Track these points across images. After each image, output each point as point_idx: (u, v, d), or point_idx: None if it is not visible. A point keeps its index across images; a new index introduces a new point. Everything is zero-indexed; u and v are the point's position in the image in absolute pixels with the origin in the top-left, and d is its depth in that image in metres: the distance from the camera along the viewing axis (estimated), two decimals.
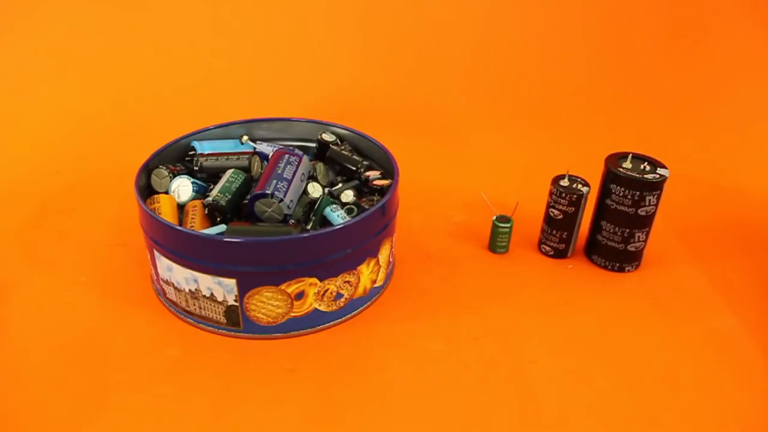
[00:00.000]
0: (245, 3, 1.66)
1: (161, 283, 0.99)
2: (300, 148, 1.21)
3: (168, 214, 1.00)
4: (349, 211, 1.03)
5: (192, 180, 1.07)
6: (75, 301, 1.02)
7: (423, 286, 1.07)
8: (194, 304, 0.95)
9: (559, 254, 1.14)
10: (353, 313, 1.00)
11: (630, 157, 1.08)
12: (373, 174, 1.12)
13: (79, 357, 0.92)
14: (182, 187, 1.06)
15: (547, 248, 1.15)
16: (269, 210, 0.98)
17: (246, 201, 1.00)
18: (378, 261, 1.00)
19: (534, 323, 1.00)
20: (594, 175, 1.13)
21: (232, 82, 1.66)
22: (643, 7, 1.63)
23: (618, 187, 1.05)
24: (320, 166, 1.12)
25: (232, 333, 0.96)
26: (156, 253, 0.95)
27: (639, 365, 0.93)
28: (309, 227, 1.01)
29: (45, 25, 1.59)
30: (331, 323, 0.98)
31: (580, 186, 1.09)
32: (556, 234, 1.12)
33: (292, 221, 0.99)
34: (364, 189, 1.12)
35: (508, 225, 1.13)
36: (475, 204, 1.27)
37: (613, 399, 0.88)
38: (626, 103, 1.63)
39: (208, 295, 0.93)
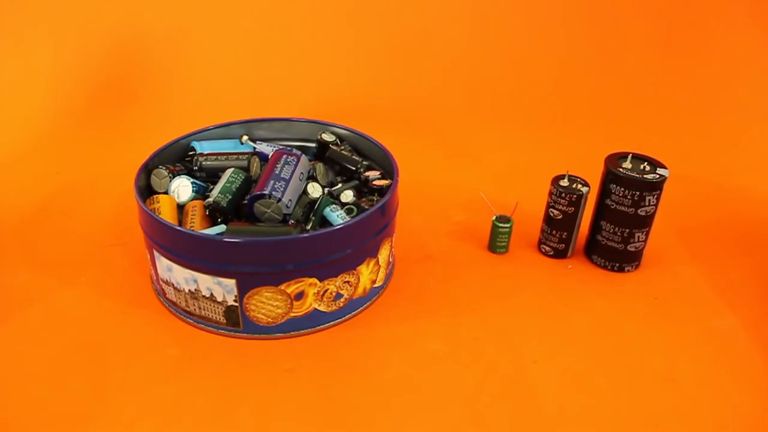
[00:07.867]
0: (245, 3, 1.66)
1: (161, 283, 0.99)
2: (300, 148, 1.21)
3: (168, 215, 1.00)
4: (348, 211, 1.03)
5: (192, 180, 1.07)
6: (75, 301, 1.02)
7: (423, 286, 1.07)
8: (194, 305, 0.95)
9: (559, 254, 1.14)
10: (353, 313, 1.00)
11: (630, 157, 1.07)
12: (372, 174, 1.12)
13: (79, 357, 0.92)
14: (182, 187, 1.06)
15: (547, 248, 1.15)
16: (269, 210, 0.98)
17: (245, 202, 1.00)
18: (378, 261, 1.00)
19: (534, 323, 1.00)
20: (594, 175, 1.13)
21: (232, 82, 1.66)
22: (643, 6, 1.63)
23: (618, 187, 1.05)
24: (320, 166, 1.12)
25: (232, 333, 0.96)
26: (156, 253, 0.95)
27: (638, 365, 0.93)
28: (309, 227, 1.01)
29: (45, 24, 1.59)
30: (330, 323, 0.98)
31: (579, 186, 1.09)
32: (556, 234, 1.12)
33: (291, 221, 0.99)
34: (363, 189, 1.12)
35: (508, 225, 1.13)
36: (475, 204, 1.27)
37: (613, 399, 0.88)
38: (626, 103, 1.63)
39: (207, 296, 0.93)
